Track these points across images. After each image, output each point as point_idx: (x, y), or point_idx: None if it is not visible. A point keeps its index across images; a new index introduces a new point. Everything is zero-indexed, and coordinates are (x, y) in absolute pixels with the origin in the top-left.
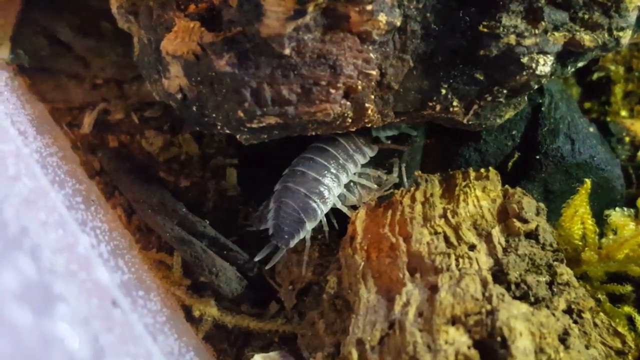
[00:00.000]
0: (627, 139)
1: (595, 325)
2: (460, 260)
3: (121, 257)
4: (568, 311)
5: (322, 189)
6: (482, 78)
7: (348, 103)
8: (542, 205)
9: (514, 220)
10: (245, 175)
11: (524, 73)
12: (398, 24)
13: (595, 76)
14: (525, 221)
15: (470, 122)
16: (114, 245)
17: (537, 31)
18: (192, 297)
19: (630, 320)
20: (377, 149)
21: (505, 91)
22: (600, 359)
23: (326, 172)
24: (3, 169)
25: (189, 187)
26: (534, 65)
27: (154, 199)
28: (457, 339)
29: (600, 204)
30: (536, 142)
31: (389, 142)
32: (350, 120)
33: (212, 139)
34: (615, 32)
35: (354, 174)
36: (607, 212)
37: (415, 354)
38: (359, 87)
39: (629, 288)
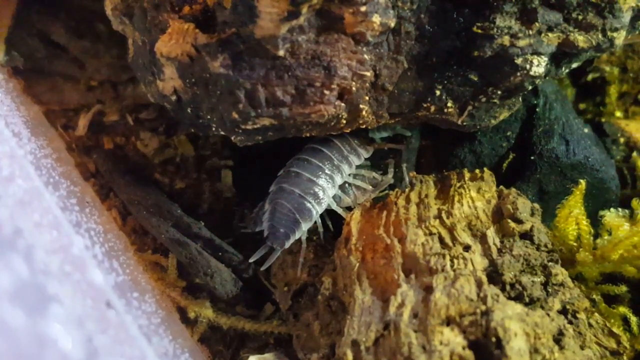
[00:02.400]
0: (621, 139)
1: (590, 325)
2: (455, 261)
3: (116, 259)
4: (563, 312)
5: (316, 189)
6: (476, 79)
7: (342, 104)
8: (536, 205)
9: (509, 220)
10: (241, 177)
11: (518, 74)
12: (392, 25)
13: (589, 77)
14: (519, 222)
15: (464, 123)
16: (108, 247)
17: (531, 32)
18: (187, 299)
19: (625, 321)
20: (372, 150)
21: (499, 92)
22: (595, 359)
23: (321, 173)
24: None
25: (184, 188)
26: (528, 66)
27: (149, 201)
28: (452, 339)
29: (594, 204)
30: (531, 143)
31: (384, 143)
32: (344, 122)
33: (207, 141)
34: (609, 33)
35: (349, 175)
36: (601, 212)
37: (410, 355)
38: (353, 88)
39: (623, 288)
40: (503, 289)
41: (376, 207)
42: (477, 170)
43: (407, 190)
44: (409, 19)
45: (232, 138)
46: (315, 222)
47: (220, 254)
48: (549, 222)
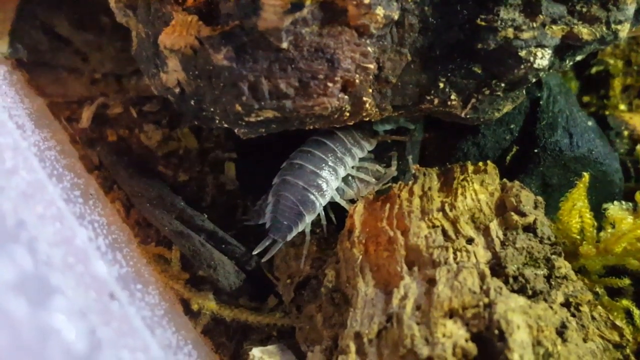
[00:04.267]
0: (625, 132)
1: (593, 318)
2: (458, 253)
3: (119, 251)
4: (566, 304)
5: (320, 181)
6: (480, 72)
7: (346, 97)
8: (540, 198)
9: (512, 213)
10: (244, 169)
11: (522, 66)
12: (396, 17)
13: (594, 70)
14: (523, 214)
15: (468, 116)
16: (112, 239)
17: (535, 24)
18: (190, 291)
19: (628, 314)
20: (376, 142)
21: (503, 85)
22: (598, 352)
23: (324, 165)
24: (1, 162)
25: (188, 181)
26: (531, 58)
27: (153, 193)
28: (455, 332)
29: (598, 197)
30: (534, 135)
31: (388, 135)
32: (348, 114)
33: (210, 133)
34: (613, 26)
35: (352, 167)
36: (605, 205)
37: (412, 347)
38: (357, 81)
39: (627, 281)
40: (506, 282)
41: (379, 200)
42: (480, 163)
43: (410, 183)
44: (412, 11)
45: (236, 130)
46: (319, 215)
47: (223, 246)
48: (552, 215)
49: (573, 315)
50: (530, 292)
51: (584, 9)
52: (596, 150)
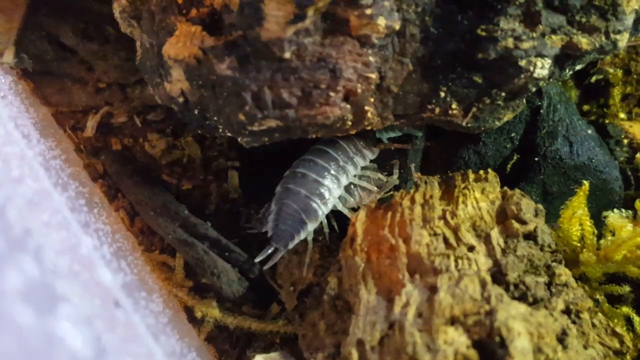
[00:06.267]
0: (625, 141)
1: (594, 325)
2: (459, 261)
3: (124, 259)
4: (566, 311)
5: (322, 190)
6: (480, 81)
7: (348, 106)
8: (540, 206)
9: (513, 221)
10: (247, 178)
11: (522, 76)
12: (397, 27)
13: (593, 79)
14: (523, 222)
15: (469, 125)
16: (116, 247)
17: (534, 34)
18: (194, 299)
19: (629, 321)
20: (378, 151)
21: (503, 94)
22: (599, 359)
23: (326, 173)
24: (7, 171)
25: (191, 189)
26: (531, 68)
27: (157, 202)
28: (456, 339)
29: (598, 205)
30: (535, 144)
31: (390, 143)
32: (350, 123)
33: (214, 142)
34: (612, 35)
35: (354, 176)
36: (605, 213)
37: (414, 354)
38: (359, 90)
39: (627, 289)
40: (507, 289)
41: (381, 208)
42: (481, 172)
43: (411, 191)
44: (413, 21)
45: (239, 139)
46: (321, 223)
47: (226, 254)
48: (552, 223)
49: (573, 322)
50: (531, 300)
51: (583, 19)
52: (596, 159)
